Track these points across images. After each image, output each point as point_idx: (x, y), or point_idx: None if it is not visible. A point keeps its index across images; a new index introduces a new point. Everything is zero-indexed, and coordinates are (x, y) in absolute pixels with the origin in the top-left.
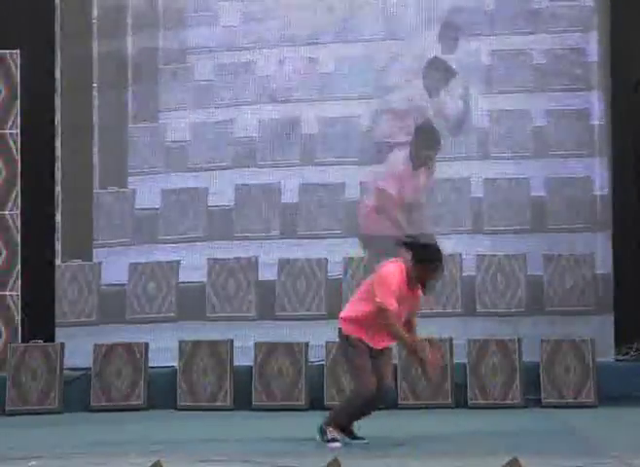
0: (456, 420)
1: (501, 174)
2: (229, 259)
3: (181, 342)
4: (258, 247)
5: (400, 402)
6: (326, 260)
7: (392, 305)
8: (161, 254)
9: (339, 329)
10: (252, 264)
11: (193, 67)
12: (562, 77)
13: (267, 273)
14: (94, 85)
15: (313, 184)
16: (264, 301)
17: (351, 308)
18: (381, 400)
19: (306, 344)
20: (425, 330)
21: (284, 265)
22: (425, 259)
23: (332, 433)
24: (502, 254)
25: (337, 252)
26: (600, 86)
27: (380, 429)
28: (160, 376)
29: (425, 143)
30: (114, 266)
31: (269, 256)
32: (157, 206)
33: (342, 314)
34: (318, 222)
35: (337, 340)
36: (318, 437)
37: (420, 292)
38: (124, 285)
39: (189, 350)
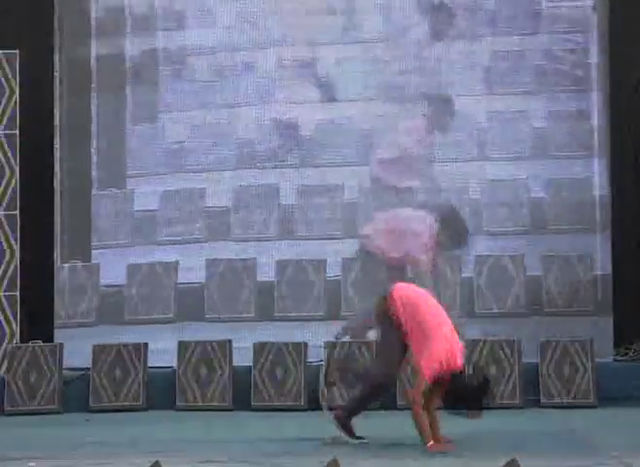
0: (455, 421)
1: (500, 175)
2: (227, 260)
3: (180, 343)
4: (256, 248)
5: (399, 402)
6: (324, 261)
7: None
8: (160, 255)
9: (387, 300)
10: (251, 265)
11: (192, 68)
12: (562, 78)
13: (266, 274)
14: (93, 85)
15: (312, 185)
16: (262, 301)
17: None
18: (387, 392)
19: (305, 345)
20: None
21: (283, 266)
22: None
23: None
24: (501, 255)
25: (336, 253)
26: (599, 86)
27: (380, 429)
28: (159, 376)
29: (452, 239)
30: (113, 266)
31: (268, 257)
32: (155, 207)
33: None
34: (316, 223)
35: (379, 308)
36: (335, 425)
37: None
38: (122, 286)
39: (188, 351)
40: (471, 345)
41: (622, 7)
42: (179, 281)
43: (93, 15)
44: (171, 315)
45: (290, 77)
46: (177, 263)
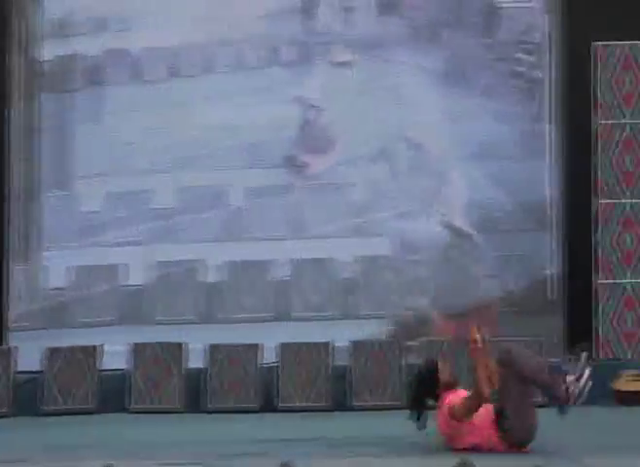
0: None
1: (453, 175)
2: (173, 262)
3: (131, 345)
4: (202, 249)
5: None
6: (270, 261)
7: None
8: (107, 257)
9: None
10: (197, 266)
11: (141, 69)
12: (517, 79)
13: (213, 275)
14: (42, 87)
15: (258, 187)
16: (210, 302)
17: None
18: None
19: (260, 346)
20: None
21: (230, 266)
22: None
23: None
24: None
25: (282, 253)
26: (555, 88)
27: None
28: (111, 379)
29: None
30: (61, 269)
31: (215, 258)
32: (102, 209)
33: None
34: (263, 224)
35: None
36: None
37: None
38: (69, 289)
39: (140, 353)
40: (428, 345)
41: (574, 7)
42: (126, 283)
43: (47, 17)
44: (117, 318)
45: (246, 79)
46: (124, 265)
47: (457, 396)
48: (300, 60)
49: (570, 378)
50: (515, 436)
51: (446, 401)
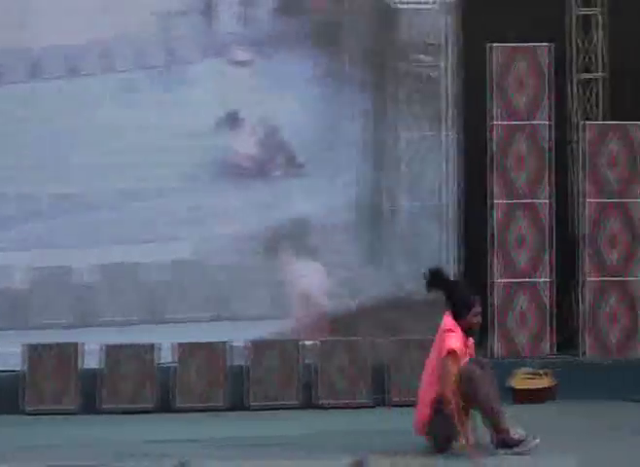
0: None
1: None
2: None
3: (25, 346)
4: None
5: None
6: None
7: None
8: None
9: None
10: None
11: (40, 67)
12: (414, 80)
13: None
14: None
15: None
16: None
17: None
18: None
19: (155, 346)
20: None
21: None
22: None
23: (515, 436)
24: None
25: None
26: (448, 88)
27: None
28: (4, 380)
29: None
30: None
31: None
32: None
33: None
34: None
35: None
36: (504, 452)
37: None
38: None
39: (34, 354)
40: (329, 345)
41: (471, 9)
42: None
43: None
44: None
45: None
46: None
47: (457, 344)
48: (198, 59)
49: (520, 432)
50: (440, 435)
51: (448, 338)
